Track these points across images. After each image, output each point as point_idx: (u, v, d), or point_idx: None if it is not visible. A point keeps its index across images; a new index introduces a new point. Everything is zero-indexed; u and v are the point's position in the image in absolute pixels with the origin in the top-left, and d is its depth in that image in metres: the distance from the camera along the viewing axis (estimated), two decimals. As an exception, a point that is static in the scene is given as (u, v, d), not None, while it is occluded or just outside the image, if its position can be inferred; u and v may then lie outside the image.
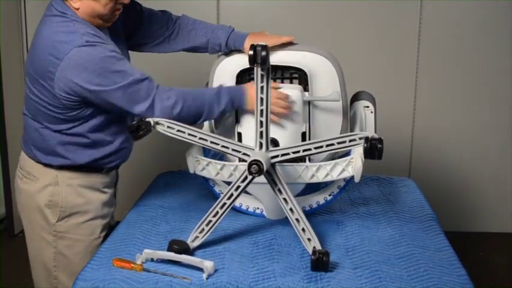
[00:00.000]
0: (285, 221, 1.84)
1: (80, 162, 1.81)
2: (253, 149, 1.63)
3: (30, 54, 1.75)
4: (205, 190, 2.12)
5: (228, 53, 1.91)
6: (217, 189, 1.99)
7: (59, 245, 1.86)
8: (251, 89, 1.73)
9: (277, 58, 1.81)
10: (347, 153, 1.95)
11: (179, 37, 1.96)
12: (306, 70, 1.81)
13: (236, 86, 1.82)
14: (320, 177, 1.77)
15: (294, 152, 1.62)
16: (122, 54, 1.74)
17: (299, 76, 1.84)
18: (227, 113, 1.81)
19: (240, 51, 1.88)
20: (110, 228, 1.93)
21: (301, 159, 1.79)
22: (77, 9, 1.69)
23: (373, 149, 1.52)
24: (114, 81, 1.66)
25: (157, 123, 1.66)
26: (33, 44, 1.74)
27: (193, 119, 1.75)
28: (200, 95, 1.75)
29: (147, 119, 1.65)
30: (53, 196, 1.83)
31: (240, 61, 1.85)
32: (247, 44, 1.85)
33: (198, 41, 1.95)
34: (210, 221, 1.67)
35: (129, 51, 1.98)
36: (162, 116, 1.69)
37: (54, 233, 1.85)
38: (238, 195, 1.65)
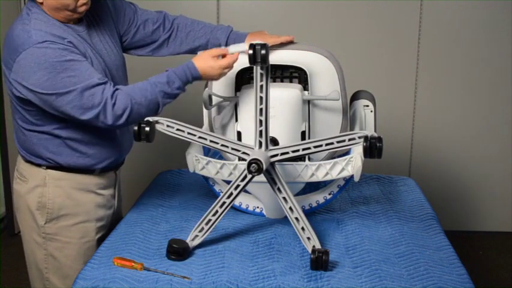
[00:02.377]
0: (284, 220, 1.84)
1: (60, 162, 1.78)
2: (253, 148, 1.63)
3: None
4: (205, 189, 2.12)
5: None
6: (217, 188, 1.99)
7: (49, 247, 1.83)
8: (196, 61, 1.72)
9: (277, 57, 1.81)
10: (347, 153, 1.95)
11: (178, 39, 1.95)
12: (305, 69, 1.81)
13: (181, 65, 1.74)
14: (320, 176, 1.77)
15: (293, 151, 1.62)
16: (81, 54, 1.66)
17: (299, 75, 1.84)
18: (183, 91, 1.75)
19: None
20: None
21: (301, 158, 1.79)
22: (41, 3, 1.64)
23: (372, 148, 1.52)
24: (65, 85, 1.59)
25: (156, 122, 1.66)
26: None
27: (149, 113, 1.69)
28: (149, 87, 1.68)
29: (146, 118, 1.65)
30: (41, 197, 1.80)
31: (239, 60, 1.85)
32: (246, 44, 1.84)
33: (198, 43, 1.93)
34: (210, 220, 1.67)
35: (129, 55, 1.97)
36: (114, 121, 1.65)
37: (43, 235, 1.82)
38: (237, 194, 1.65)
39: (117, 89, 1.66)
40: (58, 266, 1.84)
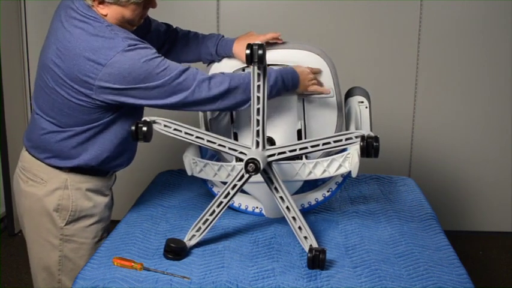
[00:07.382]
0: (284, 220, 1.83)
1: (92, 164, 1.79)
2: (250, 148, 1.63)
3: (58, 56, 1.68)
4: (205, 189, 2.12)
5: (220, 60, 1.92)
6: (215, 190, 1.99)
7: (65, 248, 1.85)
8: (298, 69, 1.78)
9: (270, 57, 1.80)
10: (344, 149, 1.95)
11: (172, 53, 1.98)
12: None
13: (284, 68, 1.80)
14: (317, 173, 1.77)
15: (290, 151, 1.62)
16: None
17: None
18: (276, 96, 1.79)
19: (230, 57, 1.90)
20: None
21: (298, 157, 1.79)
22: (105, 15, 1.67)
23: (369, 148, 1.52)
24: (163, 76, 1.65)
25: (154, 122, 1.66)
26: (61, 47, 1.67)
27: (241, 103, 1.74)
28: (247, 77, 1.72)
29: (143, 118, 1.65)
30: (62, 200, 1.81)
31: (229, 63, 1.87)
32: (235, 48, 1.87)
33: (191, 54, 1.97)
34: (207, 220, 1.67)
35: None
36: (207, 101, 1.69)
37: (61, 237, 1.84)
38: (234, 194, 1.65)
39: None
40: (72, 267, 1.85)
